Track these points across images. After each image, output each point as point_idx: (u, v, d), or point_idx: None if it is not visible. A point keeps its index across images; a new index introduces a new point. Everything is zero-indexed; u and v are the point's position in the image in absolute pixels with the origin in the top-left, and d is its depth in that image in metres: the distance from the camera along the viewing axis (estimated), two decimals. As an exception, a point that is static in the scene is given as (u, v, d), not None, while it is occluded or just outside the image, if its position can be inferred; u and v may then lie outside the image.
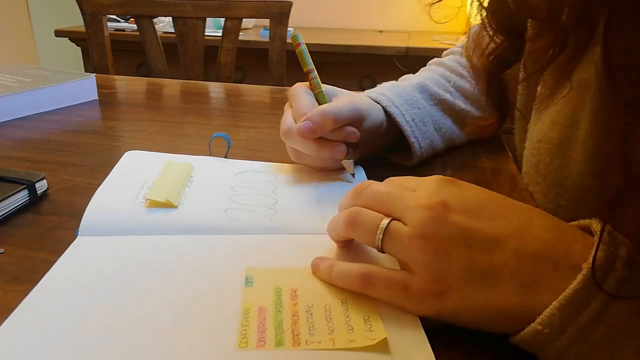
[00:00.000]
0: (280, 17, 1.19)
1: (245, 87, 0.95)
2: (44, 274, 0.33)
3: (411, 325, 0.29)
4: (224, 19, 1.21)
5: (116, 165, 0.48)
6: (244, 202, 0.43)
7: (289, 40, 1.25)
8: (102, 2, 1.17)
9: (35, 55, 2.31)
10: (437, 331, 0.29)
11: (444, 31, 1.76)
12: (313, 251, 0.36)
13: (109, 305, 0.31)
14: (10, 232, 0.40)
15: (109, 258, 0.35)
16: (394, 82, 0.58)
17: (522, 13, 0.41)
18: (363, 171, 0.51)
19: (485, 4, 0.42)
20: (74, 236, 0.38)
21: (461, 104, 0.57)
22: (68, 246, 0.36)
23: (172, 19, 1.22)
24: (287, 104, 0.51)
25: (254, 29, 1.95)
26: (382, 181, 0.36)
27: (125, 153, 0.50)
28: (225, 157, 0.53)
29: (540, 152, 0.42)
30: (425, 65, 0.65)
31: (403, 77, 0.61)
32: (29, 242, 0.38)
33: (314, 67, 0.51)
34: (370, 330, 0.29)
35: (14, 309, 0.30)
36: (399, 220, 0.31)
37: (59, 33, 1.76)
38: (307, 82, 0.50)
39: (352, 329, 0.29)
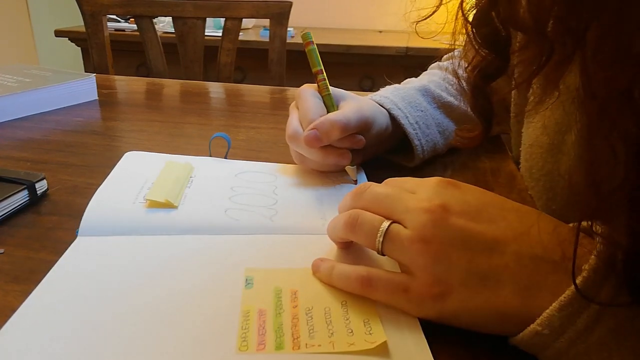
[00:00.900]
0: (280, 17, 1.19)
1: (245, 87, 0.95)
2: (44, 274, 0.33)
3: (410, 327, 0.30)
4: (224, 19, 1.21)
5: (116, 166, 0.48)
6: (244, 202, 0.43)
7: (289, 40, 1.25)
8: (102, 2, 1.17)
9: (35, 55, 2.31)
10: (436, 333, 0.29)
11: (444, 31, 1.77)
12: (313, 252, 0.36)
13: (109, 306, 0.31)
14: (10, 232, 0.40)
15: (109, 258, 0.35)
16: (396, 85, 0.58)
17: (508, 25, 0.41)
18: (363, 172, 0.51)
19: (470, 19, 0.42)
20: (74, 236, 0.38)
21: (464, 107, 0.57)
22: (68, 246, 0.36)
23: (172, 19, 1.22)
24: (292, 104, 0.51)
25: (254, 29, 1.95)
26: (382, 182, 0.36)
27: (125, 154, 0.50)
28: (225, 158, 0.53)
29: (532, 157, 0.43)
30: (424, 65, 0.66)
31: (406, 80, 0.61)
32: (29, 242, 0.38)
33: (323, 68, 0.51)
34: (370, 333, 0.29)
35: (14, 309, 0.30)
36: (399, 223, 0.31)
37: (59, 33, 1.76)
38: (315, 83, 0.51)
39: (351, 332, 0.29)
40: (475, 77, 0.46)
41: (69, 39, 1.77)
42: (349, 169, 0.48)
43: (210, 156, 0.53)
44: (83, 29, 1.21)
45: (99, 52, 1.20)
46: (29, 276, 0.34)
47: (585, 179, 0.24)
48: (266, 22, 1.21)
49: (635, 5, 0.22)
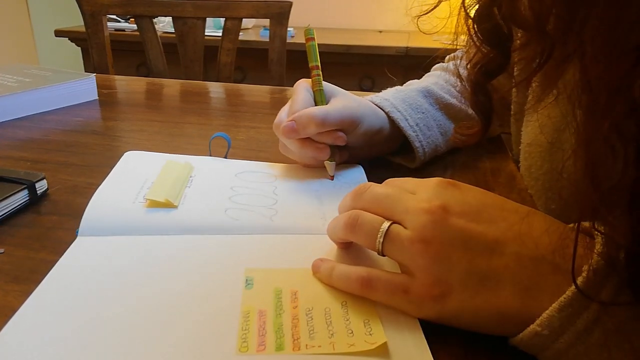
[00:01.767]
0: (280, 17, 1.19)
1: (245, 87, 0.95)
2: (44, 274, 0.33)
3: (410, 328, 0.30)
4: (224, 19, 1.21)
5: (116, 166, 0.48)
6: (244, 202, 0.43)
7: (289, 40, 1.25)
8: (102, 2, 1.17)
9: (35, 55, 2.31)
10: (436, 333, 0.29)
11: (446, 27, 1.77)
12: (313, 252, 0.36)
13: (109, 306, 0.31)
14: (10, 232, 0.40)
15: (109, 258, 0.35)
16: (398, 87, 0.58)
17: (509, 22, 0.41)
18: (363, 172, 0.51)
19: (472, 14, 0.41)
20: (74, 236, 0.38)
21: (467, 109, 0.57)
22: (68, 246, 0.36)
23: (172, 19, 1.22)
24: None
25: (254, 29, 1.95)
26: (382, 182, 0.36)
27: (125, 153, 0.50)
28: (225, 157, 0.53)
29: (531, 156, 0.43)
30: (424, 65, 0.65)
31: (408, 82, 0.61)
32: (29, 242, 0.38)
33: (319, 64, 0.51)
34: (370, 334, 0.29)
35: (14, 309, 0.30)
36: (399, 223, 0.31)
37: (59, 33, 1.76)
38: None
39: (352, 332, 0.29)
40: (476, 74, 0.46)
41: (69, 39, 1.77)
42: (327, 164, 0.48)
43: (211, 156, 0.53)
44: (83, 29, 1.21)
45: (99, 52, 1.20)
46: (29, 276, 0.34)
47: (584, 178, 0.24)
48: (266, 22, 1.21)
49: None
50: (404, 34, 1.84)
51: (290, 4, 1.19)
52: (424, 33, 0.46)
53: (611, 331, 0.25)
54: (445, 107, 0.56)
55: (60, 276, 0.33)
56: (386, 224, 0.31)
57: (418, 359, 0.27)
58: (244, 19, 1.21)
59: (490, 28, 0.42)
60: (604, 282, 0.25)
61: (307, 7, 2.03)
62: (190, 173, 0.47)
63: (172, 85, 0.94)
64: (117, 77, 0.97)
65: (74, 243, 0.37)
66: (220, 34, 1.23)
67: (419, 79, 0.63)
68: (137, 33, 1.24)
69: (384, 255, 0.32)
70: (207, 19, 1.23)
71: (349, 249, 0.37)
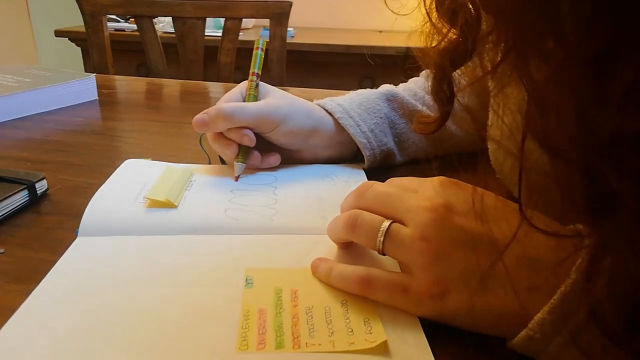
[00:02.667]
0: (280, 17, 1.19)
1: (245, 87, 0.95)
2: (44, 274, 0.33)
3: (411, 326, 0.30)
4: (224, 19, 1.21)
5: (115, 171, 0.47)
6: (243, 203, 0.43)
7: (289, 40, 1.25)
8: (102, 2, 1.17)
9: (35, 55, 2.31)
10: (437, 332, 0.29)
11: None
12: (313, 251, 0.36)
13: (108, 307, 0.31)
14: (10, 232, 0.40)
15: (109, 258, 0.35)
16: (361, 90, 0.56)
17: (478, 6, 0.37)
18: (363, 172, 0.51)
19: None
20: (74, 236, 0.38)
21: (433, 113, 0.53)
22: (68, 246, 0.36)
23: (172, 19, 1.22)
24: None
25: (254, 29, 1.95)
26: (381, 182, 0.36)
27: (125, 161, 0.50)
28: (222, 164, 0.53)
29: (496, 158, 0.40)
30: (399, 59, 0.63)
31: (382, 85, 0.59)
32: (29, 242, 0.38)
33: (260, 73, 0.52)
34: (370, 333, 0.29)
35: (14, 309, 0.30)
36: (400, 222, 0.31)
37: (59, 33, 1.76)
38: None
39: (352, 331, 0.29)
40: (442, 60, 0.42)
41: (69, 39, 1.77)
42: (235, 164, 0.47)
43: (207, 156, 0.53)
44: (83, 29, 1.21)
45: (99, 52, 1.20)
46: (29, 276, 0.34)
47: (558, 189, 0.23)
48: (266, 22, 1.21)
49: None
50: (404, 34, 1.84)
51: (290, 4, 1.19)
52: (395, 13, 0.44)
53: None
54: (410, 114, 0.54)
55: (60, 276, 0.33)
56: (386, 223, 0.31)
57: (418, 357, 0.28)
58: (244, 19, 1.21)
59: (455, 9, 0.39)
60: (591, 284, 0.24)
61: (307, 7, 2.03)
62: (191, 177, 0.48)
63: (172, 85, 0.94)
64: (117, 77, 0.97)
65: (74, 243, 0.37)
66: (220, 34, 1.23)
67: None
68: (137, 33, 1.24)
69: (384, 255, 0.32)
70: (207, 19, 1.23)
71: (349, 249, 0.37)
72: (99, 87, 0.80)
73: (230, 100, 0.49)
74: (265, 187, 0.46)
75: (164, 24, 1.72)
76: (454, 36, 0.39)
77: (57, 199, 0.45)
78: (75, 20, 1.49)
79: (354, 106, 0.52)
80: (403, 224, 0.31)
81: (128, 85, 0.93)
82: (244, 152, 0.48)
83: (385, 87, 0.57)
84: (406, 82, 0.61)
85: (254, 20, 1.91)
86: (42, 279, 0.33)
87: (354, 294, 0.32)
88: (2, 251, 0.37)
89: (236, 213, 0.41)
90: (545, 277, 0.27)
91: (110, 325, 0.29)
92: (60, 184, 0.48)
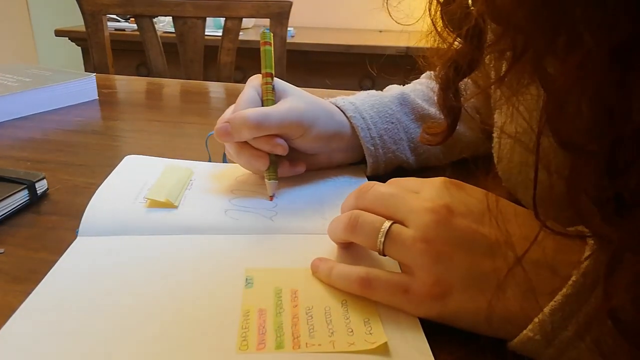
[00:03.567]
0: (280, 17, 1.19)
1: (245, 87, 0.95)
2: (44, 274, 0.33)
3: (411, 327, 0.30)
4: (224, 18, 1.21)
5: (116, 169, 0.47)
6: (244, 204, 0.43)
7: (289, 40, 1.25)
8: (102, 2, 1.17)
9: (35, 55, 2.31)
10: (437, 332, 0.29)
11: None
12: (313, 251, 0.36)
13: (109, 306, 0.31)
14: (10, 232, 0.40)
15: (109, 258, 0.35)
16: (374, 91, 0.54)
17: (484, 16, 0.37)
18: (364, 172, 0.51)
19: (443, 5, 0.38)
20: (74, 236, 0.38)
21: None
22: (68, 246, 0.36)
23: (172, 18, 1.22)
24: None
25: (254, 29, 1.94)
26: (383, 182, 0.36)
27: (125, 157, 0.50)
28: (224, 161, 0.53)
29: (502, 148, 0.40)
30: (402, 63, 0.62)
31: (388, 87, 0.57)
32: (29, 242, 0.38)
33: (273, 72, 0.47)
34: (370, 333, 0.29)
35: (14, 309, 0.30)
36: (401, 223, 0.31)
37: (59, 33, 1.76)
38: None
39: (352, 331, 0.29)
40: (448, 70, 0.42)
41: (69, 39, 1.77)
42: (268, 183, 0.44)
43: (209, 154, 0.53)
44: (83, 29, 1.21)
45: (99, 51, 1.20)
46: (29, 276, 0.34)
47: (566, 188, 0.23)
48: (266, 21, 1.21)
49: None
50: (404, 34, 1.84)
51: (290, 4, 1.19)
52: (396, 22, 0.42)
53: (604, 334, 0.24)
54: (422, 118, 0.52)
55: (60, 276, 0.33)
56: (387, 224, 0.31)
57: (419, 358, 0.27)
58: (244, 19, 1.21)
59: (462, 20, 0.38)
60: (593, 286, 0.24)
61: (307, 7, 2.03)
62: (191, 177, 0.47)
63: (172, 85, 0.94)
64: (117, 77, 0.97)
65: (74, 243, 0.37)
66: (220, 34, 1.23)
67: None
68: (137, 33, 1.24)
69: (384, 255, 0.32)
70: (207, 18, 1.23)
71: (349, 249, 0.37)
72: (99, 87, 0.80)
73: (247, 102, 0.44)
74: (263, 187, 0.46)
75: (164, 24, 1.72)
76: (459, 45, 0.39)
77: (57, 199, 0.45)
78: (75, 20, 1.49)
79: (367, 107, 0.50)
80: (404, 224, 0.31)
81: (128, 85, 0.93)
82: (274, 165, 0.44)
83: (397, 89, 0.54)
84: (408, 82, 0.60)
85: (254, 20, 1.91)
86: (42, 279, 0.33)
87: (354, 295, 0.32)
88: (2, 251, 0.37)
89: (236, 213, 0.41)
90: (546, 279, 0.27)
91: (110, 325, 0.29)
92: (60, 184, 0.48)
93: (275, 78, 0.47)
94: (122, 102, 0.82)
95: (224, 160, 0.52)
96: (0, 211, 0.41)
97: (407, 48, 1.61)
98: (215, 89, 0.93)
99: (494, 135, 0.41)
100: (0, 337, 0.28)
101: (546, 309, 0.26)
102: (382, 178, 0.37)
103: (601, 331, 0.24)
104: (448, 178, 0.33)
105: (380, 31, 1.97)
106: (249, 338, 0.28)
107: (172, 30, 1.25)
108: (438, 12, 0.38)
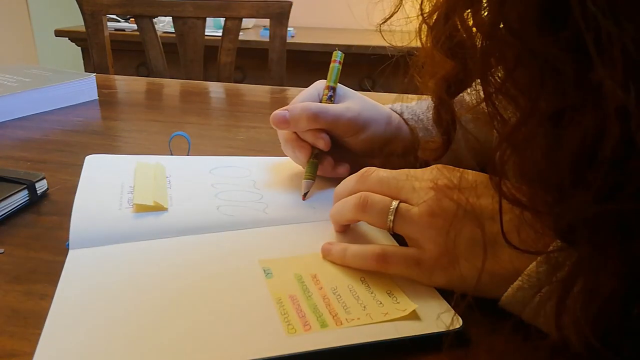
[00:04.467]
0: (280, 17, 1.19)
1: (245, 87, 0.95)
2: (44, 274, 0.33)
3: (430, 294, 0.32)
4: (224, 19, 1.21)
5: (82, 172, 0.46)
6: (232, 199, 0.43)
7: (289, 40, 1.25)
8: (102, 2, 1.17)
9: (35, 55, 2.31)
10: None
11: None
12: (314, 237, 0.38)
13: (135, 311, 0.30)
14: (10, 232, 0.40)
15: (119, 266, 0.34)
16: (424, 100, 0.54)
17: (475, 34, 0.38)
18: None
19: (431, 24, 0.38)
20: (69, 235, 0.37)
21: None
22: (68, 246, 0.36)
23: (172, 19, 1.22)
24: None
25: (254, 29, 1.95)
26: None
27: (86, 158, 0.48)
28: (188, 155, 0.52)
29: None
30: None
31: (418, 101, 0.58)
32: (29, 242, 0.38)
33: (335, 86, 0.49)
34: (398, 302, 0.31)
35: (14, 309, 0.30)
36: (405, 202, 0.34)
37: (59, 33, 1.76)
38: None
39: (381, 303, 0.31)
40: (439, 89, 0.42)
41: (69, 39, 1.77)
42: (303, 182, 0.44)
43: (171, 154, 0.53)
44: (83, 29, 1.21)
45: (99, 52, 1.20)
46: (29, 276, 0.34)
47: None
48: (266, 22, 1.21)
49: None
50: (404, 34, 1.84)
51: (290, 4, 1.19)
52: (386, 41, 0.43)
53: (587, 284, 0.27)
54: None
55: (72, 292, 0.31)
56: (395, 203, 0.34)
57: (448, 319, 0.29)
58: (244, 19, 1.21)
59: (451, 39, 0.38)
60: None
61: (307, 7, 2.03)
62: (165, 173, 0.47)
63: (172, 85, 0.94)
64: (117, 77, 0.97)
65: (68, 256, 0.35)
66: (220, 34, 1.23)
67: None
68: (137, 33, 1.24)
69: (394, 232, 0.34)
70: (207, 19, 1.23)
71: (346, 233, 0.39)
72: (99, 87, 0.80)
73: (306, 99, 0.46)
74: (243, 182, 0.47)
75: (164, 24, 1.72)
76: (450, 66, 0.40)
77: (57, 199, 0.45)
78: (75, 20, 1.49)
79: (424, 109, 0.50)
80: (408, 203, 0.34)
81: (128, 85, 0.93)
82: (312, 166, 0.44)
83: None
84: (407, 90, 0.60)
85: (254, 20, 1.91)
86: (42, 279, 0.33)
87: (368, 271, 0.34)
88: (2, 251, 0.37)
89: (229, 209, 0.42)
90: (539, 237, 0.29)
91: (145, 328, 0.29)
92: (60, 184, 0.48)
93: (340, 85, 0.49)
94: (122, 102, 0.82)
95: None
96: (0, 211, 0.41)
97: (408, 48, 1.61)
98: (215, 89, 0.93)
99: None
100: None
101: (534, 262, 0.29)
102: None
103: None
104: (441, 164, 0.36)
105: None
106: (292, 322, 0.29)
107: (172, 30, 1.25)
108: (429, 39, 0.39)
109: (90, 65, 1.23)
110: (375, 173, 0.37)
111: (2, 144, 0.59)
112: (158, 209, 0.41)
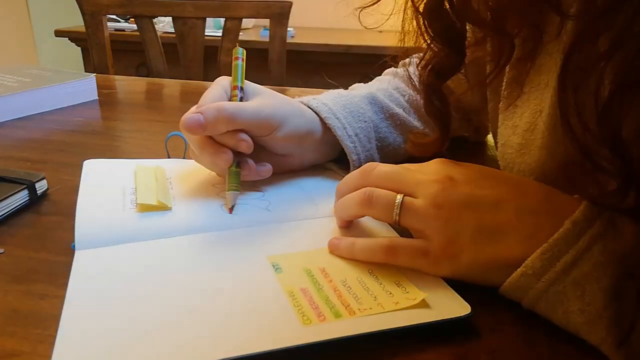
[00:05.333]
0: (280, 17, 1.19)
1: (245, 87, 0.95)
2: (44, 274, 0.33)
3: (437, 284, 0.33)
4: (224, 19, 1.21)
5: (82, 178, 0.45)
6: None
7: (289, 40, 1.25)
8: (102, 2, 1.17)
9: (35, 55, 2.31)
10: (437, 333, 0.29)
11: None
12: (319, 234, 0.39)
13: (150, 309, 0.30)
14: (10, 232, 0.40)
15: (130, 266, 0.34)
16: (341, 90, 0.53)
17: (463, 19, 0.38)
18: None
19: (421, 9, 0.38)
20: (74, 236, 0.37)
21: (414, 121, 0.53)
22: (68, 246, 0.36)
23: (172, 19, 1.22)
24: None
25: (254, 29, 1.95)
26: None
27: (84, 162, 0.48)
28: (184, 157, 0.52)
29: (504, 157, 0.42)
30: (375, 67, 0.61)
31: (353, 86, 0.57)
32: (29, 242, 0.38)
33: (242, 86, 0.46)
34: (407, 292, 0.32)
35: (14, 309, 0.30)
36: (409, 196, 0.35)
37: (59, 33, 1.76)
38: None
39: (390, 293, 0.32)
40: (428, 76, 0.42)
41: (69, 39, 1.77)
42: (229, 194, 0.41)
43: (168, 155, 0.53)
44: (83, 29, 1.21)
45: (99, 52, 1.20)
46: (29, 276, 0.34)
47: (564, 128, 0.29)
48: (266, 22, 1.21)
49: None
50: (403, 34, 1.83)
51: (290, 4, 1.19)
52: (366, 28, 0.44)
53: (585, 273, 0.28)
54: (391, 117, 0.52)
55: (84, 295, 0.31)
56: (400, 197, 0.34)
57: (456, 307, 0.30)
58: (244, 19, 1.21)
59: (441, 24, 0.39)
60: (581, 233, 0.29)
61: (307, 7, 2.03)
62: (165, 175, 0.47)
63: (172, 85, 0.94)
64: (117, 77, 0.97)
65: (75, 257, 0.35)
66: (220, 34, 1.23)
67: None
68: (137, 33, 1.24)
69: (399, 226, 0.35)
70: (207, 19, 1.23)
71: (350, 228, 0.40)
72: (99, 87, 0.80)
73: (216, 100, 0.42)
74: (244, 182, 0.46)
75: (164, 24, 1.72)
76: (437, 49, 0.41)
77: (57, 199, 0.45)
78: (75, 20, 1.49)
79: (339, 107, 0.49)
80: (413, 197, 0.34)
81: (128, 85, 0.93)
82: (234, 176, 0.41)
83: (364, 89, 0.54)
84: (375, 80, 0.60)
85: (254, 20, 1.91)
86: (42, 278, 0.33)
87: (375, 264, 0.35)
88: (2, 251, 0.37)
89: (232, 208, 0.42)
90: (545, 225, 0.30)
91: (166, 323, 0.29)
92: (60, 184, 0.48)
93: (246, 81, 0.47)
94: (122, 103, 0.82)
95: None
96: (0, 211, 0.41)
97: (407, 48, 1.61)
98: (215, 89, 0.92)
99: (499, 144, 0.44)
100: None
101: (539, 250, 0.30)
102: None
103: (584, 270, 0.29)
104: (442, 158, 0.37)
105: (380, 31, 1.96)
106: (307, 313, 0.30)
107: (172, 30, 1.25)
108: (420, 20, 0.40)
109: (90, 65, 1.23)
110: (378, 168, 0.37)
111: (2, 144, 0.59)
112: (162, 208, 0.41)
